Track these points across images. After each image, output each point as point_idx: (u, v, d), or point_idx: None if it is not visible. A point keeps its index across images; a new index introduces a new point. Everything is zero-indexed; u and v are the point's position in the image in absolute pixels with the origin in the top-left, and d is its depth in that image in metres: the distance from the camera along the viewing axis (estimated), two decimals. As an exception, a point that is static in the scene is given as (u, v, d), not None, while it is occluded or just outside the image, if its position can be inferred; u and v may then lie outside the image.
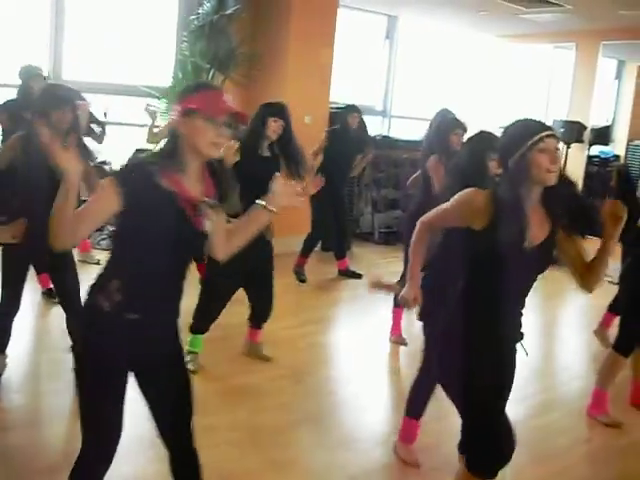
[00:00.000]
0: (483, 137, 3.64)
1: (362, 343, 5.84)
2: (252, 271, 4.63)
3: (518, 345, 2.80)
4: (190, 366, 4.62)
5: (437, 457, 3.82)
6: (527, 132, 2.57)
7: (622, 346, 4.42)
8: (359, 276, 7.32)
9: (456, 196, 2.71)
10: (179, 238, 2.33)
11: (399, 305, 5.63)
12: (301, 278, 7.16)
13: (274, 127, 4.57)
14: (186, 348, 4.64)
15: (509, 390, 2.80)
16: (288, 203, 2.59)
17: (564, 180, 2.65)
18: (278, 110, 4.64)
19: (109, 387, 2.40)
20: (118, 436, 2.46)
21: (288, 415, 4.22)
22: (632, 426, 4.45)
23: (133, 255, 2.34)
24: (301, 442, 3.97)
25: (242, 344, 5.00)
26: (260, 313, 4.92)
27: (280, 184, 2.57)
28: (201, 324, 4.72)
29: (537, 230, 2.64)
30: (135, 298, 2.34)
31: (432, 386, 3.55)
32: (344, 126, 7.10)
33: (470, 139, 3.82)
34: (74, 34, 7.20)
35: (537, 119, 2.68)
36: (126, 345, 2.36)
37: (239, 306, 4.86)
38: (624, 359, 4.43)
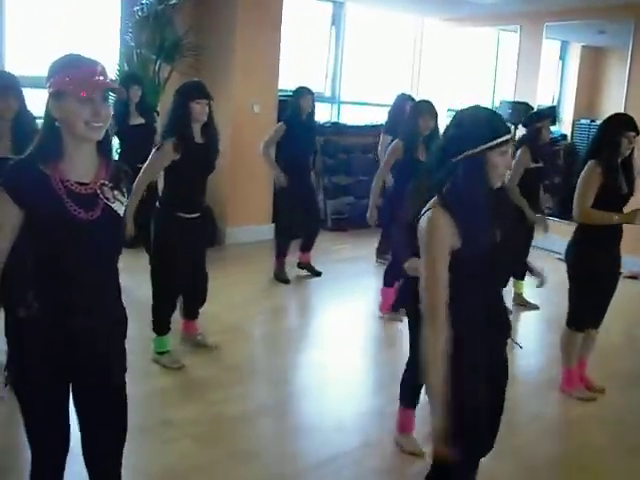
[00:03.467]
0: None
1: (318, 331, 5.86)
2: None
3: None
4: (172, 365, 4.57)
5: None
6: (492, 131, 2.36)
7: (574, 321, 4.49)
8: (319, 274, 6.98)
9: (424, 235, 2.35)
10: (68, 229, 2.14)
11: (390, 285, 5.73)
12: (283, 279, 6.79)
13: (199, 109, 4.29)
14: (153, 352, 4.63)
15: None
16: None
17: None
18: (199, 91, 4.36)
19: (43, 402, 2.28)
20: (63, 446, 2.38)
21: (246, 406, 4.21)
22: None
23: (40, 257, 2.18)
24: (261, 432, 3.97)
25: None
26: (195, 303, 4.84)
27: None
28: (159, 324, 4.61)
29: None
30: (53, 304, 2.18)
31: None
32: (297, 111, 6.54)
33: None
34: (14, 25, 7.02)
35: (499, 115, 2.50)
36: (53, 353, 2.20)
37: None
38: (579, 333, 4.50)
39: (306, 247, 7.01)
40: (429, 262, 2.36)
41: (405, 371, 3.74)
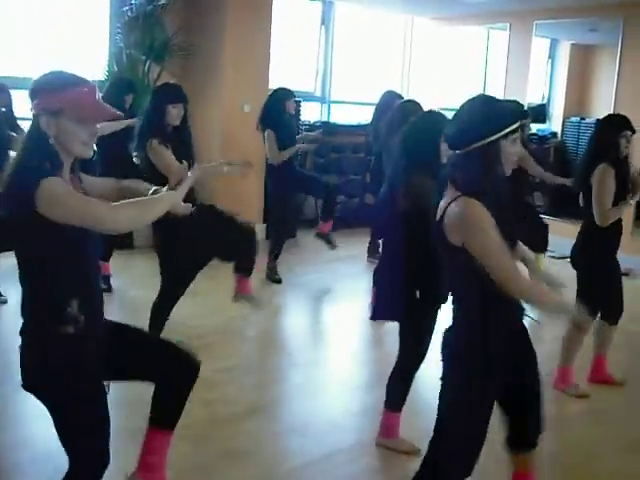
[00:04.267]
0: (434, 116, 3.43)
1: (310, 330, 5.85)
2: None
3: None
4: None
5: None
6: (503, 119, 2.32)
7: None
8: (334, 246, 6.87)
9: (479, 220, 2.28)
10: (83, 229, 2.16)
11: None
12: (276, 279, 6.73)
13: (175, 113, 4.35)
14: None
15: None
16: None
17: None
18: (177, 95, 4.44)
19: (98, 407, 2.30)
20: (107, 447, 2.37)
21: (239, 406, 4.20)
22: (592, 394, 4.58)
23: (78, 265, 2.19)
24: (254, 432, 3.95)
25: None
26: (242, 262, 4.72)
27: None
28: (157, 321, 4.41)
29: None
30: (92, 310, 2.20)
31: (409, 377, 3.61)
32: (281, 114, 6.49)
33: (418, 119, 3.52)
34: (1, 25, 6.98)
35: (510, 103, 2.49)
36: (96, 357, 2.24)
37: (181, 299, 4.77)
38: (582, 335, 4.47)
39: (325, 215, 6.89)
40: (490, 240, 2.27)
41: (392, 372, 3.68)
